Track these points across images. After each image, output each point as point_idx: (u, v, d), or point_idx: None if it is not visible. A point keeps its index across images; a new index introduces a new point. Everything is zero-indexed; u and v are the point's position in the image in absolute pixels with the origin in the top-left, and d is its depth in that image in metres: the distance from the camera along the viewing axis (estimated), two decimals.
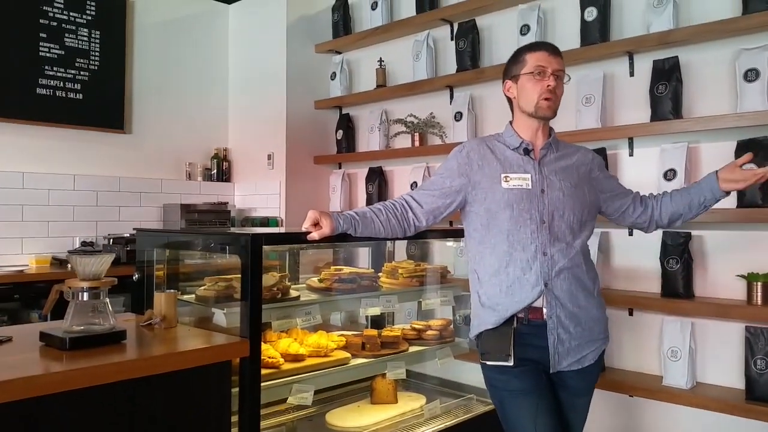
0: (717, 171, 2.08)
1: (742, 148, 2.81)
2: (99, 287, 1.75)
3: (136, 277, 2.48)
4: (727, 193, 2.07)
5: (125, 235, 3.99)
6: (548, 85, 1.94)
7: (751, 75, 2.78)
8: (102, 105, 4.28)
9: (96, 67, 4.25)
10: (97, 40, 4.26)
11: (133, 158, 4.47)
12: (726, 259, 2.96)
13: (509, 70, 2.06)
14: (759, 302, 2.75)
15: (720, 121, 2.81)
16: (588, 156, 2.12)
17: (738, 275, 2.86)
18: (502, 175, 1.96)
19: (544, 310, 1.91)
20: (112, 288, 1.81)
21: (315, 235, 1.98)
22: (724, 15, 2.92)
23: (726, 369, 2.93)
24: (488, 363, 1.95)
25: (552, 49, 2.00)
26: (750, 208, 2.76)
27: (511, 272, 1.93)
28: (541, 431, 1.90)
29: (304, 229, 2.02)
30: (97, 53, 4.25)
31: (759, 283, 2.76)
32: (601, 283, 3.24)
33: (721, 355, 2.95)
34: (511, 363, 1.90)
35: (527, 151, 2.01)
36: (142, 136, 4.52)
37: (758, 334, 2.71)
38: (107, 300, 1.79)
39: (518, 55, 2.03)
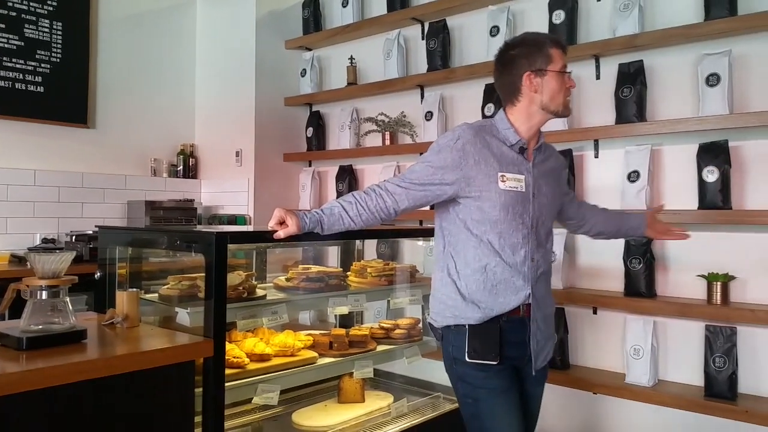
0: (647, 213, 2.33)
1: (703, 151, 2.88)
2: (58, 285, 1.71)
3: (98, 275, 2.43)
4: (642, 234, 2.33)
5: (88, 232, 3.90)
6: (571, 86, 1.94)
7: (713, 79, 2.84)
8: (64, 98, 4.18)
9: (58, 60, 4.15)
10: (60, 32, 4.15)
11: (97, 153, 4.37)
12: (687, 260, 3.02)
13: (532, 62, 1.89)
14: (718, 302, 2.82)
15: (682, 124, 2.87)
16: (560, 159, 2.15)
17: (699, 275, 2.93)
18: (499, 174, 1.86)
19: (529, 312, 1.92)
20: (74, 286, 1.77)
21: (281, 233, 1.94)
22: (688, 20, 2.98)
23: (686, 366, 3.00)
24: (474, 362, 1.89)
25: (566, 49, 1.98)
26: (710, 210, 2.82)
27: (498, 273, 1.88)
28: (514, 430, 1.92)
29: (269, 228, 1.99)
30: (59, 45, 4.15)
31: (719, 283, 2.83)
32: (567, 281, 3.31)
33: (681, 353, 3.02)
34: (497, 362, 1.87)
35: (522, 150, 1.93)
36: (106, 131, 4.43)
37: (717, 333, 2.78)
38: (67, 299, 1.75)
39: (541, 48, 1.90)
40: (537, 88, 1.89)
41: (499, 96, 2.03)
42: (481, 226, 1.88)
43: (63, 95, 4.17)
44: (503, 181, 1.86)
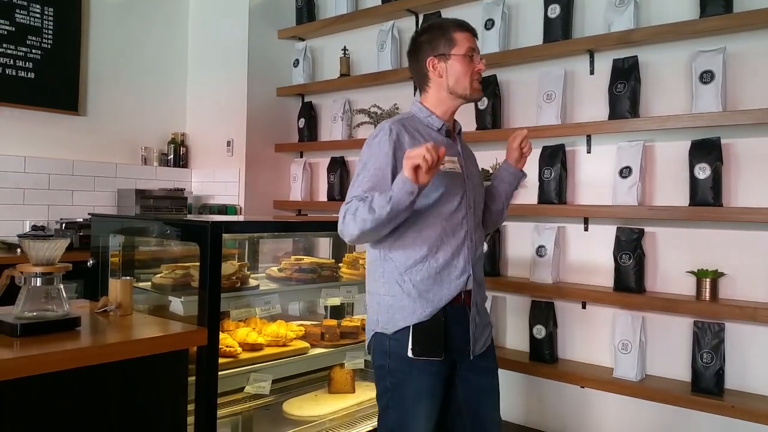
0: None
1: (695, 148, 2.90)
2: (53, 273, 1.70)
3: (90, 263, 2.42)
4: (520, 172, 2.12)
5: (78, 219, 3.88)
6: (479, 68, 1.90)
7: (707, 77, 2.86)
8: (55, 85, 4.14)
9: (49, 46, 4.10)
10: (51, 18, 4.10)
11: (87, 141, 4.33)
12: (676, 256, 3.05)
13: (435, 47, 1.90)
14: (707, 298, 2.85)
15: (675, 121, 2.88)
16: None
17: (688, 271, 2.95)
18: None
19: (471, 296, 1.87)
20: (65, 274, 1.75)
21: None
22: (683, 17, 2.99)
23: (674, 362, 3.03)
24: (418, 358, 1.80)
25: (475, 32, 1.96)
26: (701, 206, 2.84)
27: (441, 258, 1.83)
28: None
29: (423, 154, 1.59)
30: (50, 31, 4.10)
31: (708, 280, 2.85)
32: (557, 276, 3.33)
33: (669, 349, 3.05)
34: (442, 357, 1.80)
35: (448, 134, 1.95)
36: (96, 119, 4.39)
37: (705, 329, 2.80)
38: (61, 286, 1.75)
39: (445, 32, 1.90)
40: (441, 73, 1.90)
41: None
42: (422, 213, 1.82)
43: (54, 82, 4.13)
44: (442, 164, 1.76)
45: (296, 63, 4.63)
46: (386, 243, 1.86)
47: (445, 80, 1.90)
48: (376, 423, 2.70)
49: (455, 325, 1.86)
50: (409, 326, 1.82)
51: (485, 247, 2.04)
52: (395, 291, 1.85)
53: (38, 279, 1.68)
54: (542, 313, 3.30)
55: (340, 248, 3.29)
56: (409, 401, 1.83)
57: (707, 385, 2.78)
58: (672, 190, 3.06)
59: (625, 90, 3.06)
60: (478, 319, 1.91)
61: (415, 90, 4.00)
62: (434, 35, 1.92)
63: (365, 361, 2.76)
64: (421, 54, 1.94)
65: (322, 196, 4.54)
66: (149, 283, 2.39)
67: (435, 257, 1.83)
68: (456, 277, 1.85)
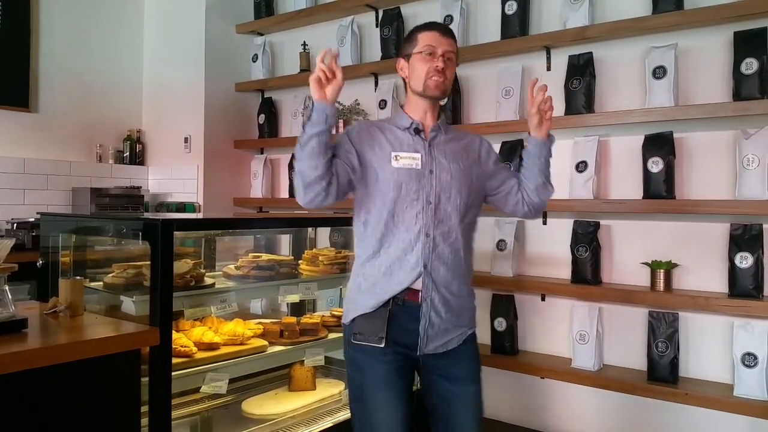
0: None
1: (649, 142, 2.96)
2: None
3: (40, 263, 2.35)
4: (546, 138, 2.01)
5: (30, 219, 3.77)
6: (436, 66, 1.90)
7: (659, 72, 2.91)
8: (4, 80, 4.00)
9: None
10: None
11: (40, 139, 4.21)
12: (632, 248, 3.11)
13: (403, 49, 2.00)
14: (661, 288, 2.91)
15: (629, 115, 2.94)
16: (476, 142, 2.06)
17: (642, 263, 3.01)
18: (393, 154, 1.89)
19: (421, 293, 1.86)
20: (17, 275, 1.71)
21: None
22: (636, 14, 3.05)
23: (630, 351, 3.09)
24: (359, 343, 1.87)
25: (443, 30, 1.96)
26: (654, 199, 2.90)
27: (392, 252, 1.87)
28: (392, 422, 1.85)
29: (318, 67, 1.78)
30: None
31: (662, 271, 2.91)
32: (517, 269, 3.35)
33: (626, 338, 3.11)
34: (382, 345, 1.84)
35: (418, 131, 1.94)
36: (49, 115, 4.27)
37: (660, 319, 2.87)
38: (6, 287, 1.69)
39: (411, 35, 1.98)
40: (406, 73, 1.98)
41: None
42: (378, 209, 1.88)
43: (2, 77, 3.99)
44: (396, 160, 1.87)
45: (255, 58, 4.57)
46: (355, 240, 1.97)
47: (409, 80, 1.97)
48: (337, 419, 2.71)
49: (405, 319, 1.87)
50: (356, 317, 1.90)
51: (459, 245, 1.93)
52: (353, 284, 1.96)
53: None
54: (503, 305, 3.34)
55: (299, 245, 3.27)
56: (367, 390, 1.89)
57: (662, 373, 2.84)
58: (626, 183, 3.11)
59: (581, 86, 3.11)
60: (434, 318, 1.87)
61: (376, 86, 4.02)
62: (406, 39, 2.01)
63: (326, 357, 2.75)
64: (396, 58, 2.03)
65: (284, 192, 4.51)
66: (101, 283, 2.34)
67: (387, 251, 1.88)
68: (406, 272, 1.86)
